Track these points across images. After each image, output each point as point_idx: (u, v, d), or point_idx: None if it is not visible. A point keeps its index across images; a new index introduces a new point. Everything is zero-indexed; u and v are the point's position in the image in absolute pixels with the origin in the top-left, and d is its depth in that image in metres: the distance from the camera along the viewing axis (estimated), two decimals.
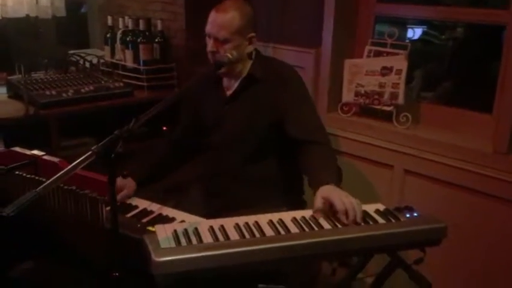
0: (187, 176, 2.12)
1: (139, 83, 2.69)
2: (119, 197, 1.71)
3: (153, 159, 2.01)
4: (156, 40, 2.73)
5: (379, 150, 2.33)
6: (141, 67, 2.69)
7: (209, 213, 1.59)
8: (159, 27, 2.74)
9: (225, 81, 1.90)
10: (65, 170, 1.13)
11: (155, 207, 1.73)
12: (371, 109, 2.42)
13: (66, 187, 1.46)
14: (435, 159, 2.15)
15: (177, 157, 2.05)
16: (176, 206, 1.73)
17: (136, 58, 2.72)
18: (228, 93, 1.89)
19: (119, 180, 1.79)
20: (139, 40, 2.71)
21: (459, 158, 2.09)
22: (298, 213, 1.48)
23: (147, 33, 2.73)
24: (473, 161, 2.05)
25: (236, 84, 1.87)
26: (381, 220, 1.45)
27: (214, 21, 1.75)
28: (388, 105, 2.33)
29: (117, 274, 1.28)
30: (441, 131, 2.26)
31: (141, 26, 2.72)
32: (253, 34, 1.82)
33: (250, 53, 1.84)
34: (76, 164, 1.16)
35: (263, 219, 1.44)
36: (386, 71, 2.31)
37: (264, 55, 1.98)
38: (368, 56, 2.42)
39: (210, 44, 1.77)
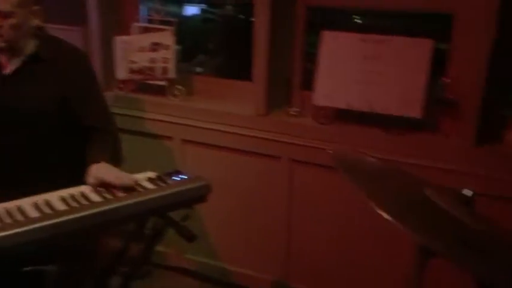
0: None
1: None
2: None
3: None
4: None
5: (158, 123, 2.42)
6: None
7: None
8: None
9: (3, 59, 1.73)
10: None
11: None
12: (146, 85, 2.48)
13: None
14: (208, 126, 2.33)
15: None
16: None
17: None
18: (7, 71, 1.72)
19: None
20: None
21: (228, 123, 2.30)
22: (66, 192, 1.46)
23: None
24: (241, 124, 2.29)
25: (17, 63, 1.72)
26: (150, 186, 1.52)
27: None
28: (161, 80, 2.42)
29: None
30: (212, 100, 2.45)
31: None
32: (37, 7, 1.71)
33: (34, 29, 1.71)
34: None
35: (26, 202, 1.38)
36: (155, 46, 2.39)
37: (51, 35, 1.84)
38: (139, 33, 2.46)
39: None
